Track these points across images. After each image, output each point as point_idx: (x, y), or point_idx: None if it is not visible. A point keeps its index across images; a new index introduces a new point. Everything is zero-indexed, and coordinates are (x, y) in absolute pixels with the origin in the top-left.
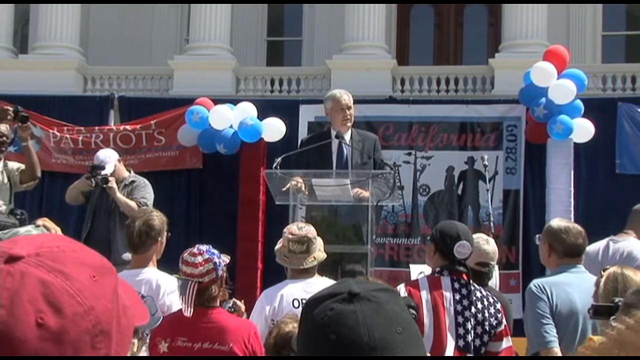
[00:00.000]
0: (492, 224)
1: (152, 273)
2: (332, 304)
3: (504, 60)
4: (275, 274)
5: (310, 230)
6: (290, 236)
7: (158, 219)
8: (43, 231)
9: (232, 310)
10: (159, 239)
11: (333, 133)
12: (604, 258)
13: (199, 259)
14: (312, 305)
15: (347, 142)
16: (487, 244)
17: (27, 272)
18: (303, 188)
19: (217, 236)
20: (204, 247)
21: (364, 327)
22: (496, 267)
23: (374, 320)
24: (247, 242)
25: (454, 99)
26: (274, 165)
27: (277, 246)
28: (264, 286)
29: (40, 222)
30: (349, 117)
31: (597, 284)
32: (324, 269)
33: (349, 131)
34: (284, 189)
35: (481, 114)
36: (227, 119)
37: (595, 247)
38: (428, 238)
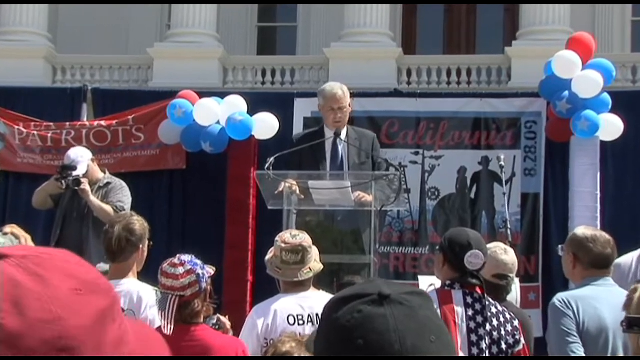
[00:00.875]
0: (509, 232)
1: (132, 284)
2: (359, 306)
3: (522, 49)
4: (266, 287)
5: (305, 239)
6: (283, 245)
7: (139, 223)
8: (11, 239)
9: (217, 327)
10: (141, 246)
11: (328, 131)
12: (638, 270)
13: (180, 270)
14: (336, 306)
15: (344, 139)
16: (505, 253)
17: (2, 270)
18: (298, 191)
19: (202, 245)
20: (185, 258)
21: (395, 334)
22: (516, 280)
23: (406, 326)
24: (235, 252)
25: (467, 92)
26: (266, 166)
27: (268, 256)
28: (254, 301)
29: (8, 229)
30: (339, 119)
31: (629, 296)
32: (319, 281)
33: (345, 129)
34: (277, 192)
35: (497, 108)
36: (213, 114)
37: (628, 259)
38: (437, 247)
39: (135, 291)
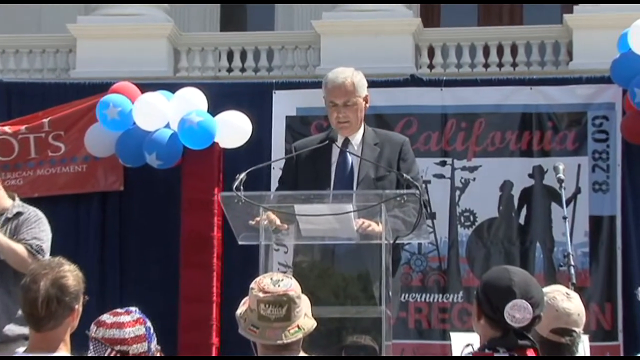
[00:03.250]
0: (572, 270)
1: None
2: None
3: (588, 17)
4: (237, 353)
5: (291, 285)
6: (261, 295)
7: (73, 276)
8: None
9: None
10: (76, 306)
11: (340, 138)
12: None
13: (126, 318)
14: None
15: (356, 147)
16: (568, 300)
17: None
18: (278, 222)
19: (146, 296)
20: (131, 308)
21: None
22: (585, 337)
23: None
24: (193, 305)
25: (511, 77)
26: (235, 184)
27: (240, 310)
28: None
29: None
30: (343, 119)
31: None
32: (314, 343)
33: (359, 133)
34: (254, 222)
35: (553, 99)
36: (160, 114)
37: None
38: (475, 293)
39: None
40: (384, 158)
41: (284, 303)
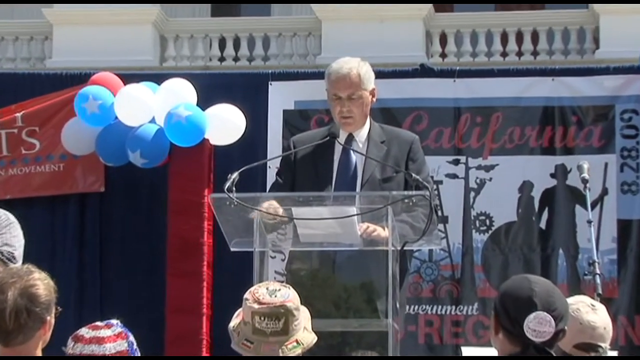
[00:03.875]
0: (598, 280)
1: None
2: None
3: (616, 2)
4: None
5: (289, 296)
6: (256, 306)
7: (44, 285)
8: None
9: None
10: (47, 317)
11: (343, 133)
12: None
13: (107, 332)
14: None
15: (358, 147)
16: (594, 312)
17: None
18: (281, 212)
19: (129, 307)
20: (112, 321)
21: None
22: (612, 353)
23: None
24: (181, 317)
25: (531, 67)
26: (227, 185)
27: (233, 323)
28: None
29: None
30: (347, 114)
31: None
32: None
33: (365, 129)
34: (252, 216)
35: (578, 92)
36: (145, 107)
37: None
38: (493, 305)
39: None
40: (391, 157)
41: (281, 315)
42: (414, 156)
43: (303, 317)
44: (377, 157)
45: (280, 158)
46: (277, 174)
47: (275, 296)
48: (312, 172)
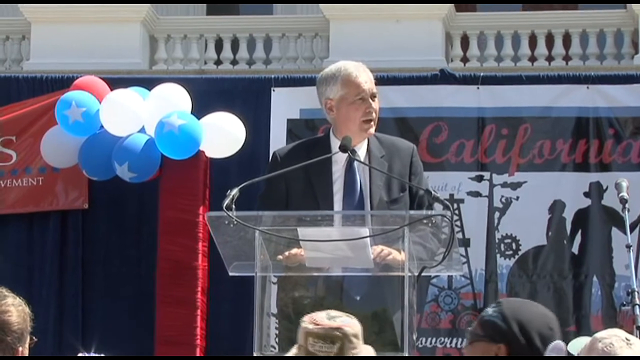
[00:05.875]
0: (638, 310)
1: None
2: None
3: None
4: None
5: (349, 322)
6: (311, 327)
7: (17, 312)
8: None
9: None
10: (19, 348)
11: (335, 142)
12: None
13: None
14: None
15: (362, 158)
16: (629, 347)
17: None
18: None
19: (114, 338)
20: (95, 354)
21: None
22: None
23: None
24: (172, 350)
25: (563, 73)
26: (225, 203)
27: (290, 353)
28: None
29: None
30: (373, 115)
31: None
32: None
33: (364, 141)
34: (281, 257)
35: (615, 101)
36: (134, 115)
37: None
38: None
39: None
40: (396, 174)
41: (337, 339)
42: (415, 170)
43: (364, 349)
44: (381, 175)
45: (267, 172)
46: (261, 197)
47: (335, 320)
48: (309, 190)
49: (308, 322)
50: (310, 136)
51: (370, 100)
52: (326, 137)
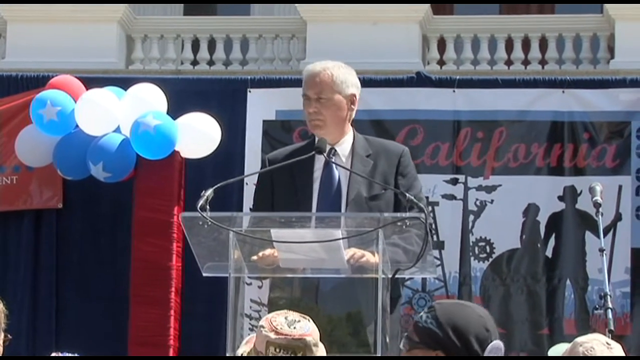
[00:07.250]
0: (610, 315)
1: None
2: None
3: (633, 7)
4: None
5: (309, 330)
6: (273, 336)
7: None
8: None
9: None
10: None
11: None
12: None
13: None
14: None
15: (341, 161)
16: (610, 351)
17: None
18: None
19: (88, 338)
20: (69, 354)
21: None
22: None
23: None
24: (145, 350)
25: (539, 77)
26: (199, 203)
27: (242, 350)
28: None
29: None
30: (315, 117)
31: None
32: None
33: (347, 139)
34: (256, 258)
35: (590, 105)
36: (109, 115)
37: None
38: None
39: None
40: (379, 173)
41: (299, 350)
42: (403, 170)
43: (321, 353)
44: (363, 172)
45: (257, 182)
46: (253, 201)
47: (295, 328)
48: (291, 190)
49: (268, 329)
50: (285, 137)
51: (315, 102)
52: (313, 140)
